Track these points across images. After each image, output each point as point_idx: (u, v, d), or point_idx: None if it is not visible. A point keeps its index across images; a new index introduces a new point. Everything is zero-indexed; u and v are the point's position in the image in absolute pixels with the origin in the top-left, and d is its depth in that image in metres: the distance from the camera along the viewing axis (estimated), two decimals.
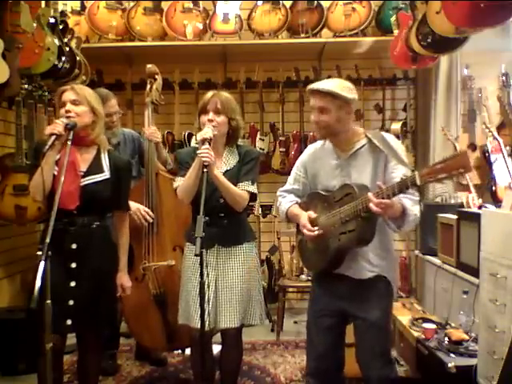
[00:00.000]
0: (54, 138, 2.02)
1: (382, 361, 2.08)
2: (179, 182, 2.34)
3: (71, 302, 2.12)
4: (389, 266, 2.10)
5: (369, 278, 2.04)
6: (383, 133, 2.12)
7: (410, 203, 1.92)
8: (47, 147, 2.00)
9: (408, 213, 1.91)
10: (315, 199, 2.14)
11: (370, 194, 1.82)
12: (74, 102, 2.15)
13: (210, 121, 2.28)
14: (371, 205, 1.80)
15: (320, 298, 2.18)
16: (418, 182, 1.69)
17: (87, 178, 2.18)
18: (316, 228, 2.03)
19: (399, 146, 2.06)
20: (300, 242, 2.26)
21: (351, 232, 1.92)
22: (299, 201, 2.25)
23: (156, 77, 2.96)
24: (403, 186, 1.75)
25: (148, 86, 2.96)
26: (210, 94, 2.36)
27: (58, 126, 2.04)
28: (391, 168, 1.99)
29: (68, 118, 2.11)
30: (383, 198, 1.79)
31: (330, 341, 2.15)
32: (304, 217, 2.09)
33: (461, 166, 1.59)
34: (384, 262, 2.07)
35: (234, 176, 2.35)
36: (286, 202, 2.26)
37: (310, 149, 2.27)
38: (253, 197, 2.41)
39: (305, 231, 2.06)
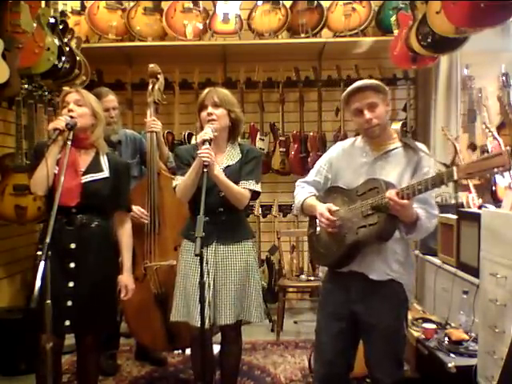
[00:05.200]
0: (57, 132, 2.06)
1: (394, 365, 2.05)
2: (178, 181, 2.34)
3: (69, 303, 2.12)
4: (406, 273, 2.05)
5: (385, 281, 1.99)
6: (416, 142, 2.12)
7: (425, 215, 1.91)
8: (51, 140, 2.05)
9: (420, 223, 1.90)
10: (335, 193, 2.09)
11: (392, 191, 1.80)
12: (77, 103, 2.20)
13: (210, 114, 2.28)
14: (390, 202, 1.78)
15: (331, 300, 2.12)
16: (456, 177, 1.66)
17: (87, 176, 2.20)
18: (335, 218, 1.98)
19: (431, 154, 2.06)
20: (311, 235, 2.20)
21: (372, 226, 1.87)
22: (317, 194, 2.19)
23: (158, 76, 2.96)
24: (438, 180, 1.72)
25: (150, 86, 2.96)
26: (206, 90, 2.38)
27: (60, 122, 2.08)
28: (422, 175, 1.93)
29: (71, 117, 2.13)
30: (414, 193, 1.77)
31: (341, 346, 2.09)
32: (322, 206, 2.04)
33: (500, 165, 1.58)
34: (402, 269, 2.02)
35: (235, 172, 2.35)
36: (304, 192, 2.20)
37: (339, 146, 2.23)
38: (255, 195, 2.40)
39: (322, 220, 2.00)
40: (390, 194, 1.79)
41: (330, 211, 2.00)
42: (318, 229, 2.14)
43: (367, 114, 1.97)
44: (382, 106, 2.01)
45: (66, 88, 2.29)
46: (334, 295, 2.11)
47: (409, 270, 2.07)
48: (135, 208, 2.76)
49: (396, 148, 2.04)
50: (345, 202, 2.02)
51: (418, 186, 1.76)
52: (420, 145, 2.06)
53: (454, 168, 1.67)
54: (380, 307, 2.00)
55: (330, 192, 2.13)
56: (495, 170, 1.60)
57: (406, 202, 1.78)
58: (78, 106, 2.19)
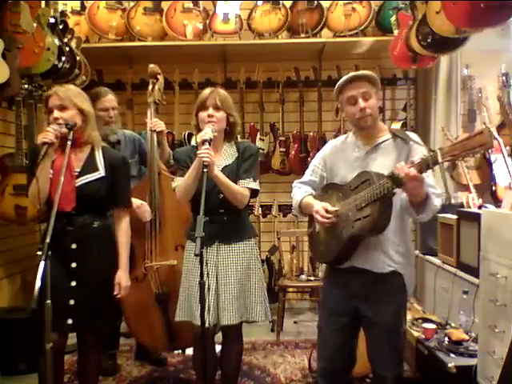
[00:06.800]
0: (46, 146, 1.99)
1: (395, 361, 2.07)
2: (178, 182, 2.34)
3: (72, 302, 2.13)
4: (407, 264, 2.07)
5: (387, 273, 2.01)
6: (407, 131, 2.14)
7: (433, 194, 1.91)
8: (41, 157, 1.98)
9: (430, 201, 1.89)
10: (330, 190, 2.11)
11: (402, 163, 1.78)
12: (60, 108, 2.13)
13: (210, 116, 2.28)
14: (403, 174, 1.74)
15: (333, 296, 2.14)
16: (440, 159, 1.67)
17: (82, 178, 2.17)
18: (331, 215, 2.00)
19: (422, 143, 2.05)
20: (311, 233, 2.22)
21: (366, 218, 1.88)
22: (314, 193, 2.22)
23: (158, 77, 2.96)
24: (424, 165, 1.73)
25: (150, 86, 2.96)
26: (207, 90, 2.38)
27: (49, 135, 2.01)
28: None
29: (58, 124, 2.07)
30: None
31: (342, 341, 2.12)
32: (318, 204, 2.06)
33: (482, 143, 1.58)
34: (403, 259, 2.05)
35: (233, 171, 2.35)
36: (301, 192, 2.24)
37: (332, 143, 2.27)
38: (254, 193, 2.40)
39: (318, 217, 2.02)
40: (402, 166, 1.76)
41: (326, 210, 2.02)
42: (317, 227, 2.15)
43: (361, 103, 2.01)
44: (375, 98, 2.06)
45: (46, 93, 2.19)
46: (335, 291, 2.13)
47: (409, 260, 2.10)
48: (139, 202, 2.74)
49: (386, 140, 2.07)
50: (340, 198, 2.05)
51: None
52: (411, 134, 2.08)
53: (438, 151, 1.69)
54: (381, 302, 2.02)
55: (325, 189, 2.16)
56: (478, 149, 1.60)
57: (419, 175, 1.74)
58: (63, 111, 2.12)
